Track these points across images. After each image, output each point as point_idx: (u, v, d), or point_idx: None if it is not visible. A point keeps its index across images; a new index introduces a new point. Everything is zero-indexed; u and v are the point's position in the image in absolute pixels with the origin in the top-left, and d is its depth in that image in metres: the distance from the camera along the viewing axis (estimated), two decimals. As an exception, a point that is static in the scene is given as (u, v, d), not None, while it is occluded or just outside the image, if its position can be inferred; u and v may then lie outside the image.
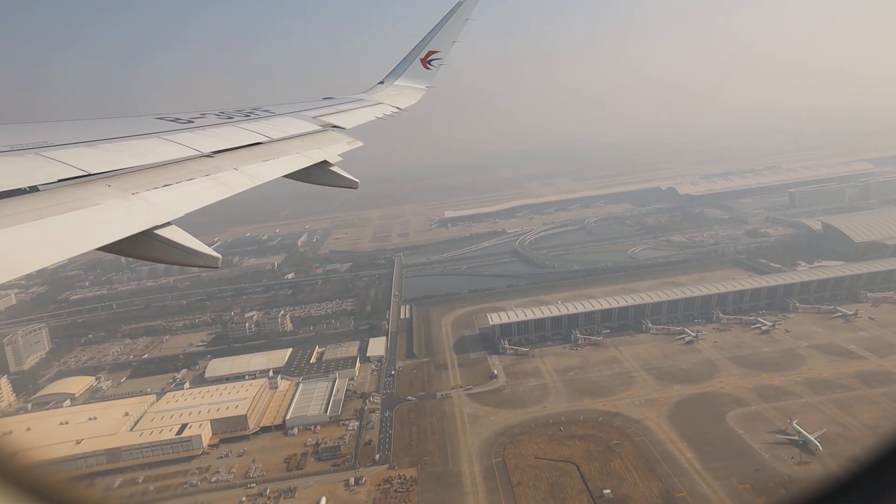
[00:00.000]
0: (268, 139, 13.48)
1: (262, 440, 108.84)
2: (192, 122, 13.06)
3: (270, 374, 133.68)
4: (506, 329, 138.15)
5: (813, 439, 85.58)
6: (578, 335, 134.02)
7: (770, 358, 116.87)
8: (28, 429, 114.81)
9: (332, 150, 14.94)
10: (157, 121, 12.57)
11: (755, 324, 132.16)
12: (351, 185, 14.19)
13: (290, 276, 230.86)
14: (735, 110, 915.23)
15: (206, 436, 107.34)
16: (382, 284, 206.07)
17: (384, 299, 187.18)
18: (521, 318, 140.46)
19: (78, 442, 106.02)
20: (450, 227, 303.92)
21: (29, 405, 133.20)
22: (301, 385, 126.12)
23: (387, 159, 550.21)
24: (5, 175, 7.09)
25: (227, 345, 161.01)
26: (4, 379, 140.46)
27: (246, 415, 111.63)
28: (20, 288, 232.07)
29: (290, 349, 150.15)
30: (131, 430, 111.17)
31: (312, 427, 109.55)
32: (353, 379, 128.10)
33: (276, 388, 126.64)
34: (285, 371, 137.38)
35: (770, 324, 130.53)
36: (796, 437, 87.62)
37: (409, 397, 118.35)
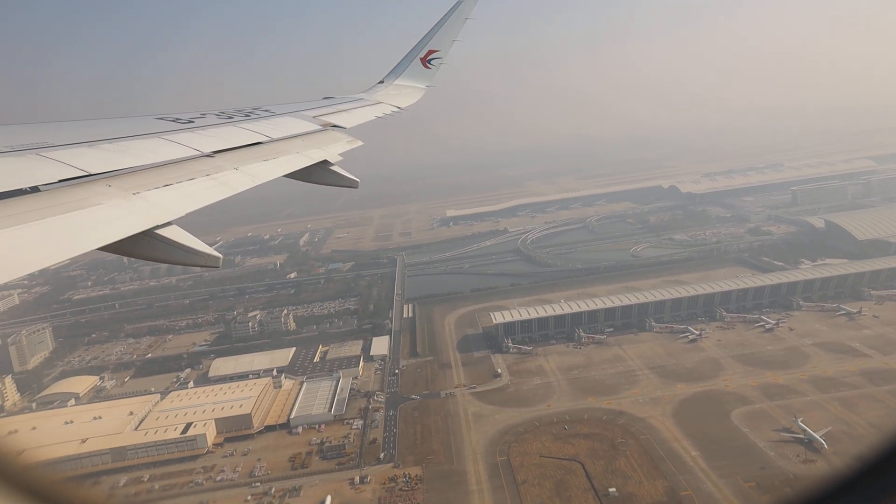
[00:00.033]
0: (268, 139, 13.50)
1: (267, 439, 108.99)
2: (193, 122, 13.08)
3: (274, 373, 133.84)
4: (509, 328, 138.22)
5: (818, 437, 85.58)
6: (582, 334, 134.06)
7: (774, 356, 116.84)
8: (33, 428, 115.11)
9: (332, 150, 14.95)
10: (158, 121, 12.59)
11: (759, 322, 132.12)
12: (351, 184, 14.18)
13: (293, 275, 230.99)
14: (736, 108, 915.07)
15: (211, 435, 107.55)
16: (385, 283, 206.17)
17: (387, 298, 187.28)
18: (525, 316, 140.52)
19: (83, 441, 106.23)
20: (451, 226, 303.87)
21: (33, 404, 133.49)
22: (305, 384, 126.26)
23: (387, 159, 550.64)
24: (6, 175, 7.10)
25: (231, 344, 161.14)
26: (9, 378, 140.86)
27: (250, 414, 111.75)
28: (23, 288, 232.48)
29: (294, 348, 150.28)
30: (136, 429, 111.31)
31: (317, 426, 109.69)
32: (356, 378, 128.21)
33: (280, 387, 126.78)
34: (289, 370, 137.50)
35: (774, 322, 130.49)
36: (801, 436, 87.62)
37: (413, 396, 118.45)
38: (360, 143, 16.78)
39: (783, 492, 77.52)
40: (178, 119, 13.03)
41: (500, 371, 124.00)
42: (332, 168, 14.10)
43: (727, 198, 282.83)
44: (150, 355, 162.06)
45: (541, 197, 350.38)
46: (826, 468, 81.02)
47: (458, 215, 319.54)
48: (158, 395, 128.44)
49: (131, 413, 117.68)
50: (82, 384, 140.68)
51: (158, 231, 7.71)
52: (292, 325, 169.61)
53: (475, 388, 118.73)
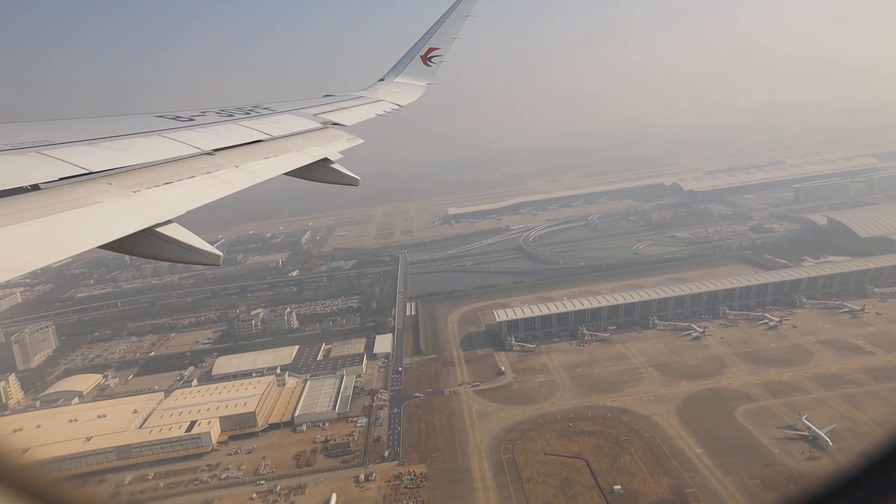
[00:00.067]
0: (269, 137, 13.48)
1: (271, 437, 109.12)
2: (193, 120, 13.06)
3: (278, 371, 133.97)
4: (512, 326, 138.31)
5: (822, 434, 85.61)
6: (585, 331, 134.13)
7: (778, 353, 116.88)
8: (38, 426, 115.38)
9: (332, 148, 14.91)
10: (158, 119, 12.57)
11: (762, 319, 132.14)
12: (352, 182, 14.15)
13: (295, 273, 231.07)
14: (737, 106, 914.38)
15: (216, 433, 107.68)
16: (387, 281, 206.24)
17: (389, 296, 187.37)
18: (528, 314, 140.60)
19: (88, 439, 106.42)
20: (453, 223, 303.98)
21: (37, 403, 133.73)
22: (309, 382, 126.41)
23: (388, 156, 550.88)
24: (6, 174, 7.10)
25: (234, 342, 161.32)
26: (13, 377, 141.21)
27: (254, 412, 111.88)
28: (25, 286, 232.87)
29: (297, 346, 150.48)
30: (140, 427, 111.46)
31: (321, 424, 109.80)
32: (360, 376, 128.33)
33: (284, 385, 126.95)
34: (292, 368, 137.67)
35: (777, 319, 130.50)
36: (806, 433, 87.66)
37: (417, 394, 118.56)
38: (360, 140, 16.74)
39: (788, 489, 77.62)
40: (178, 117, 13.02)
41: (503, 369, 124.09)
42: (332, 166, 14.07)
43: (729, 195, 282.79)
44: (153, 353, 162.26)
45: (542, 195, 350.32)
46: (831, 465, 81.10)
47: (460, 213, 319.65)
48: (162, 394, 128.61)
49: (135, 411, 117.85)
50: (86, 382, 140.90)
51: (159, 229, 7.70)
52: (295, 323, 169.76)
53: (479, 385, 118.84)
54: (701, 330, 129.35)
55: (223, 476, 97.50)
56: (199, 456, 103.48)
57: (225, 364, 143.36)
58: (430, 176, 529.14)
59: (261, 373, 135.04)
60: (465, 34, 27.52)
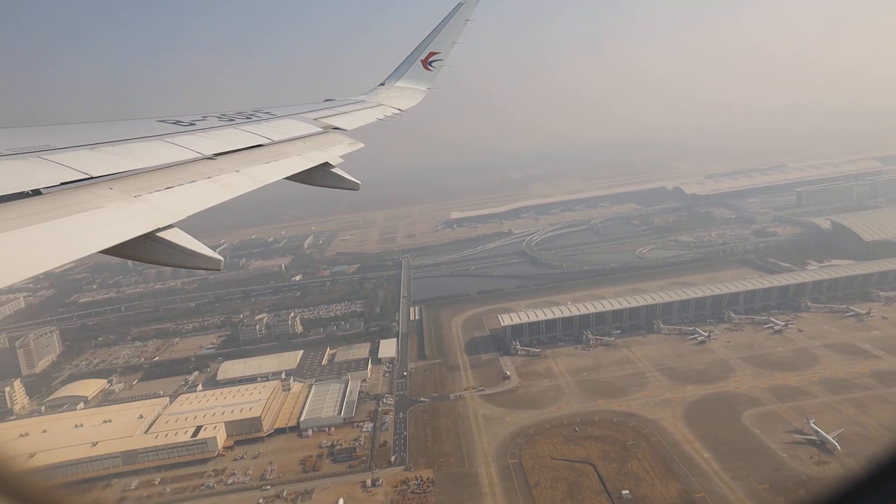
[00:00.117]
0: (269, 141, 13.47)
1: (277, 442, 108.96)
2: (194, 124, 13.06)
3: (283, 376, 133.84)
4: (517, 330, 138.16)
5: (831, 439, 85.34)
6: (590, 336, 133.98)
7: (784, 358, 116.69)
8: (44, 431, 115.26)
9: (333, 152, 14.90)
10: (159, 123, 12.57)
11: (767, 323, 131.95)
12: (352, 186, 14.14)
13: (298, 277, 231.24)
14: (738, 109, 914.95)
15: (221, 438, 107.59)
16: (391, 286, 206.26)
17: (393, 301, 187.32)
18: (532, 318, 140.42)
19: (94, 444, 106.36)
20: (455, 228, 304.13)
21: (42, 408, 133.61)
22: (314, 387, 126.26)
23: (389, 161, 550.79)
24: (8, 178, 7.08)
25: (238, 347, 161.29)
26: (18, 382, 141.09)
27: (260, 417, 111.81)
28: (28, 291, 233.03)
29: (302, 351, 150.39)
30: (146, 432, 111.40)
31: (327, 429, 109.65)
32: (365, 380, 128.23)
33: (289, 390, 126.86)
34: (297, 373, 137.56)
35: (782, 323, 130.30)
36: (814, 437, 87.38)
37: (423, 399, 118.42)
38: (361, 145, 16.71)
39: (797, 494, 77.39)
40: (179, 121, 13.02)
41: (508, 373, 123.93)
42: (333, 170, 14.06)
43: (731, 199, 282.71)
44: (157, 358, 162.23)
45: (544, 199, 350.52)
46: (840, 470, 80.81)
47: (463, 217, 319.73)
48: (167, 399, 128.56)
49: (141, 416, 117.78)
50: (91, 387, 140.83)
51: (160, 234, 7.67)
52: (299, 328, 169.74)
53: (484, 390, 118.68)
54: (706, 334, 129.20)
55: (229, 481, 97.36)
56: (205, 461, 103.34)
57: (230, 369, 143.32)
58: (432, 180, 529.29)
59: (265, 378, 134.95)
60: (466, 38, 27.54)
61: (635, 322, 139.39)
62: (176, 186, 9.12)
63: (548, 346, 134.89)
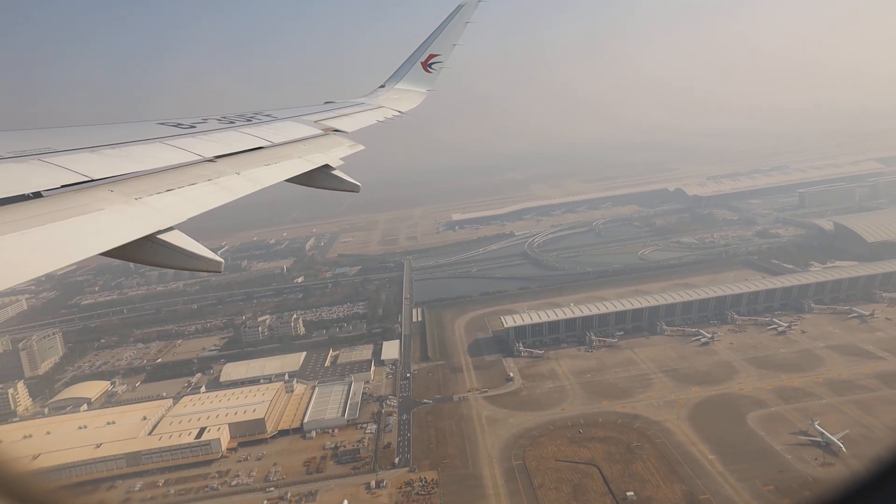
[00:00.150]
0: (269, 143, 13.49)
1: (281, 443, 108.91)
2: (195, 127, 13.08)
3: (286, 377, 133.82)
4: (520, 331, 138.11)
5: (836, 440, 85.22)
6: (593, 337, 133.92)
7: (788, 359, 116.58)
8: (47, 433, 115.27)
9: (333, 154, 14.91)
10: (160, 126, 12.59)
11: (771, 325, 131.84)
12: (353, 188, 14.15)
13: (300, 279, 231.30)
14: (739, 110, 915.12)
15: (225, 439, 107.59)
16: (393, 287, 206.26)
17: (395, 302, 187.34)
18: (535, 320, 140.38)
19: (98, 446, 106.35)
20: (457, 229, 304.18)
21: (46, 409, 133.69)
22: (317, 388, 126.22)
23: (389, 163, 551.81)
24: (9, 181, 7.11)
25: (241, 349, 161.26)
26: (21, 384, 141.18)
27: (264, 418, 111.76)
28: (31, 293, 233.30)
29: (304, 353, 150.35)
30: (150, 434, 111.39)
31: (330, 430, 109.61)
32: (368, 382, 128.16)
33: (293, 391, 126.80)
34: (300, 375, 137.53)
35: (786, 325, 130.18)
36: (818, 439, 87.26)
37: (426, 400, 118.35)
38: (361, 147, 16.73)
39: (802, 495, 77.24)
40: (180, 124, 13.05)
41: (512, 375, 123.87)
42: (333, 172, 14.09)
43: (733, 200, 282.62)
44: (160, 360, 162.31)
45: (546, 200, 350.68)
46: (845, 471, 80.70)
47: (464, 219, 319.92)
48: (171, 400, 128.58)
49: (144, 418, 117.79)
50: (94, 389, 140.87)
51: (161, 236, 7.69)
52: (302, 330, 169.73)
53: (487, 391, 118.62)
54: (710, 335, 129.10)
55: (233, 483, 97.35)
56: (209, 462, 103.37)
57: (232, 371, 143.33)
58: (433, 182, 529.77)
59: (269, 379, 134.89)
60: (466, 40, 27.63)
61: (638, 323, 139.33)
62: (176, 189, 9.15)
63: (551, 347, 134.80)
